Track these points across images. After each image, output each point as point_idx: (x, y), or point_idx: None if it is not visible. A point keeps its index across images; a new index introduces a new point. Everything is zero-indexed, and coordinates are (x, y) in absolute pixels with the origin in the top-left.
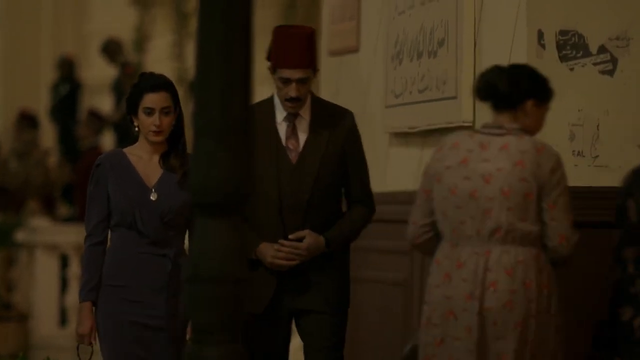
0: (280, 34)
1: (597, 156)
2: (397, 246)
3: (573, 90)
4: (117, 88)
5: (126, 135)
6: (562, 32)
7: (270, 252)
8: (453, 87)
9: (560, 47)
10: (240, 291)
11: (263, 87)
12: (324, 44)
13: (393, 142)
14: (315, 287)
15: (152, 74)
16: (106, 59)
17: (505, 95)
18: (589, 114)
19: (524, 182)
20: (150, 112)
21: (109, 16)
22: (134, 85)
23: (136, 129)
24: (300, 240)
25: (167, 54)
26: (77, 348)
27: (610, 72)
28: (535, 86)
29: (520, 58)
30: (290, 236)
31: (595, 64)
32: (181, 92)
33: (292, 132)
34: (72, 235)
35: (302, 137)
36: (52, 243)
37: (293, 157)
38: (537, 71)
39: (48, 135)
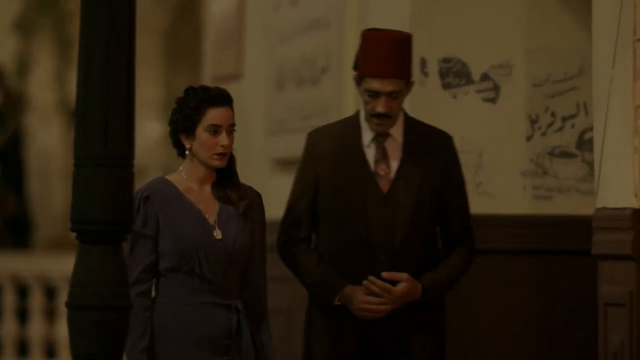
0: (369, 38)
1: (480, 183)
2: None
3: (456, 117)
4: None
5: (9, 163)
6: (445, 60)
7: (359, 295)
8: (335, 114)
9: (443, 74)
10: (121, 319)
11: (143, 111)
12: (207, 70)
13: (276, 169)
14: (407, 347)
15: (209, 87)
16: None
17: None
18: (472, 142)
19: None
20: (216, 130)
21: None
22: (189, 100)
23: (186, 152)
24: (393, 283)
25: (50, 81)
26: None
27: (493, 100)
28: None
29: None
30: (384, 274)
31: (478, 92)
32: (63, 119)
33: (383, 155)
34: None
35: (394, 162)
36: None
37: (383, 184)
38: None
39: None
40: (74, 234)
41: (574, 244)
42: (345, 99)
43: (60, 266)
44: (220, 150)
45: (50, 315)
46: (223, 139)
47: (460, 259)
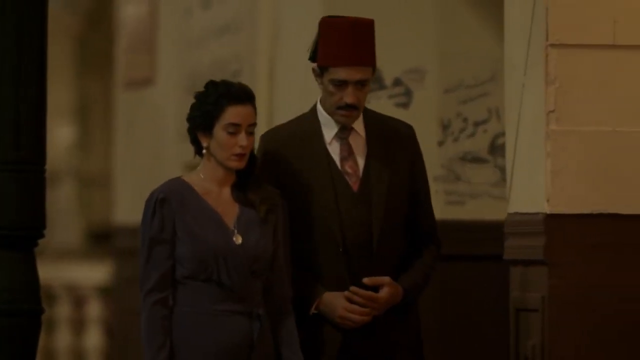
0: (331, 25)
1: None
2: None
3: None
4: None
5: None
6: None
7: (341, 303)
8: None
9: None
10: (32, 324)
11: (54, 117)
12: (119, 75)
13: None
14: (388, 352)
15: (231, 82)
16: None
17: None
18: None
19: None
20: (235, 130)
21: None
22: (208, 95)
23: (203, 151)
24: (375, 289)
25: None
26: None
27: (405, 105)
28: None
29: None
30: (365, 280)
31: (390, 97)
32: None
33: (348, 152)
34: None
35: (360, 158)
36: None
37: (353, 182)
38: None
39: None
40: None
41: (487, 250)
42: (257, 102)
43: None
44: (239, 150)
45: None
46: (242, 139)
47: (432, 257)
